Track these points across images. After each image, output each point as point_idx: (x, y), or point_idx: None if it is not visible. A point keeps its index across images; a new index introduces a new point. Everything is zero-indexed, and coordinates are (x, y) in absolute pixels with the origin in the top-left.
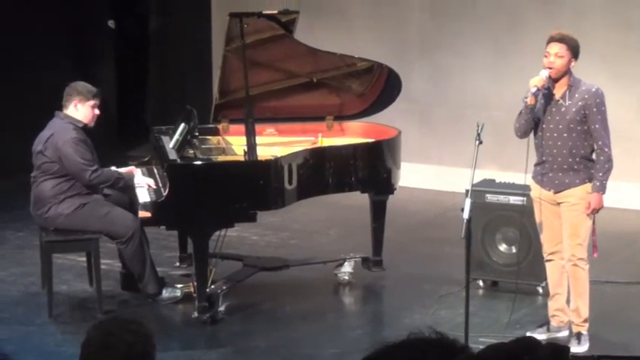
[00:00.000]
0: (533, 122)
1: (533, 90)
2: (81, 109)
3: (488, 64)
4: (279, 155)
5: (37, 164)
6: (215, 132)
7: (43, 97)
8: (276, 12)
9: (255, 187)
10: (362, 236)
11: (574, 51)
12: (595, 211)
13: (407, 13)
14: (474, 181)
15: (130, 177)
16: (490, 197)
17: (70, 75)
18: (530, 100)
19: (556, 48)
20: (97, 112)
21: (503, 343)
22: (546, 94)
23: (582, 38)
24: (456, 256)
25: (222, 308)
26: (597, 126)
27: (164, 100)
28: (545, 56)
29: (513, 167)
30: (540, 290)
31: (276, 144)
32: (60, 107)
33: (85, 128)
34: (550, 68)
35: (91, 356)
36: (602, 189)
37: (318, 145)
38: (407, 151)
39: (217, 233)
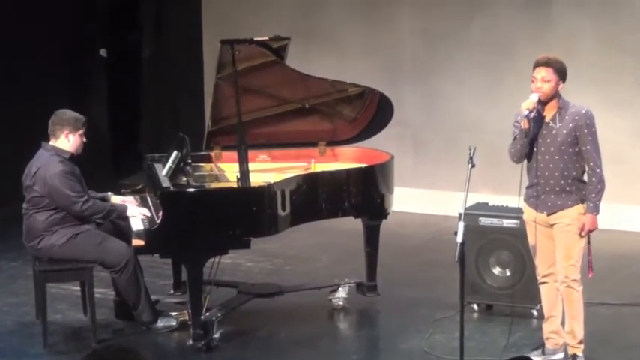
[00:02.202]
0: (528, 146)
1: (525, 113)
2: (72, 140)
3: (480, 89)
4: (272, 181)
5: (27, 197)
6: (208, 159)
7: (36, 126)
8: (267, 38)
9: (249, 213)
10: (356, 261)
11: (561, 73)
12: (589, 232)
13: (399, 39)
14: (467, 205)
15: (123, 209)
16: (483, 220)
17: (62, 104)
18: (524, 124)
19: (542, 72)
20: (84, 140)
21: None
22: (536, 117)
23: (574, 62)
24: (450, 280)
25: (217, 335)
26: (588, 147)
27: (157, 128)
28: (532, 81)
29: (506, 190)
30: (535, 313)
31: (269, 170)
32: (48, 137)
33: (72, 158)
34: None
35: None
36: (595, 210)
37: (311, 170)
38: (400, 175)
39: (211, 260)
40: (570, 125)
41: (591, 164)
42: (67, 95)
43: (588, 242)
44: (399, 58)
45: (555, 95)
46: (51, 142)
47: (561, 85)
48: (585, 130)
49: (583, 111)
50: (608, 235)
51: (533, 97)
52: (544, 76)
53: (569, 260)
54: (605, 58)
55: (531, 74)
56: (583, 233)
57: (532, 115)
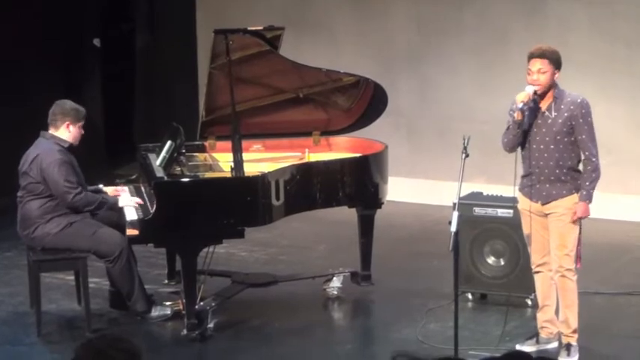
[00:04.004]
0: (521, 136)
1: (520, 105)
2: (72, 130)
3: (475, 77)
4: (266, 171)
5: (22, 184)
6: (202, 149)
7: (30, 117)
8: (261, 28)
9: (243, 203)
10: (350, 251)
11: (556, 63)
12: (580, 219)
13: (393, 28)
14: (462, 194)
15: (115, 200)
16: (478, 210)
17: (56, 94)
18: (517, 116)
19: (538, 64)
20: (82, 132)
21: (495, 358)
22: (532, 107)
23: (568, 50)
24: (445, 270)
25: (211, 325)
26: (584, 136)
27: (151, 118)
28: (529, 74)
29: (501, 180)
30: (529, 302)
31: (263, 160)
32: (46, 127)
33: (70, 148)
34: (535, 85)
35: None
36: (588, 198)
37: (305, 160)
38: (394, 165)
39: (205, 250)
40: (566, 114)
41: (587, 153)
42: (61, 85)
43: (579, 232)
44: (393, 47)
45: (551, 85)
46: (50, 131)
47: (557, 75)
48: (581, 120)
49: (579, 100)
50: (603, 224)
51: (529, 89)
52: (540, 68)
53: (564, 250)
54: (599, 45)
55: (526, 66)
56: (574, 218)
57: (526, 107)
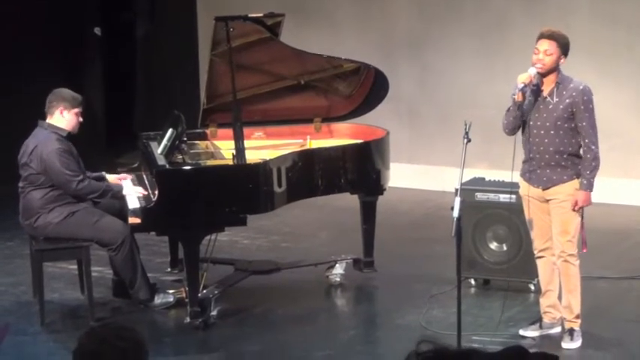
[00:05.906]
0: (521, 119)
1: (520, 86)
2: (66, 116)
3: (476, 63)
4: (267, 158)
5: (23, 175)
6: (203, 136)
7: (30, 106)
8: (261, 15)
9: (245, 190)
10: (353, 238)
11: (564, 48)
12: (582, 208)
13: (394, 14)
14: (464, 180)
15: (119, 189)
16: (480, 195)
17: (56, 83)
18: (517, 97)
19: (545, 45)
20: (80, 119)
21: (492, 354)
22: (534, 90)
23: (569, 35)
24: (447, 256)
25: (214, 313)
26: (585, 124)
27: (152, 106)
28: (535, 53)
29: (502, 165)
30: (532, 287)
31: (264, 147)
32: (44, 116)
33: (69, 136)
34: (538, 65)
35: None
36: (589, 187)
37: (307, 147)
38: (396, 151)
39: (208, 238)
40: (567, 101)
41: (587, 141)
42: (60, 74)
43: (582, 218)
44: (394, 33)
45: (555, 69)
46: (47, 120)
47: (562, 60)
48: (582, 107)
49: (581, 87)
50: (606, 208)
51: (532, 71)
52: (547, 49)
53: (566, 236)
54: (601, 30)
55: (534, 46)
56: (576, 209)
57: (527, 88)
